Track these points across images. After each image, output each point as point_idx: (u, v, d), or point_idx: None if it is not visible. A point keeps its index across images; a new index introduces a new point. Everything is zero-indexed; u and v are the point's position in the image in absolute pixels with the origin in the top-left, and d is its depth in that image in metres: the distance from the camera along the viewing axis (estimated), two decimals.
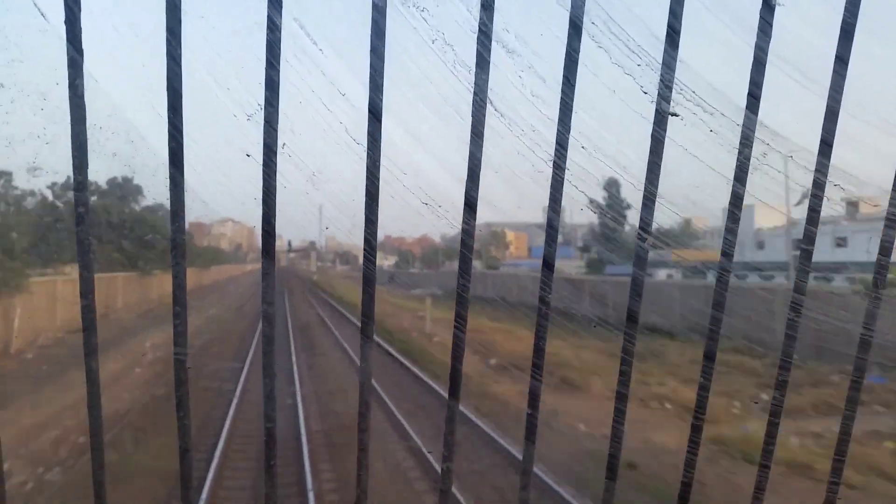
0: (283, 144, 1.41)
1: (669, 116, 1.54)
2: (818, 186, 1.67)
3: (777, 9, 1.52)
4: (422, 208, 1.53)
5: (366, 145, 1.46)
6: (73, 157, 1.38)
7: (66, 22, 1.35)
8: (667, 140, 1.56)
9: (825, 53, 1.53)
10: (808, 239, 1.71)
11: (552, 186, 1.57)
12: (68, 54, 1.35)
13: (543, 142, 1.50)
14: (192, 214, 1.37)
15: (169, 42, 1.34)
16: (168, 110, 1.38)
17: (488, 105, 1.47)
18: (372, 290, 1.53)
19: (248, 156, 1.39)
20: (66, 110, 1.23)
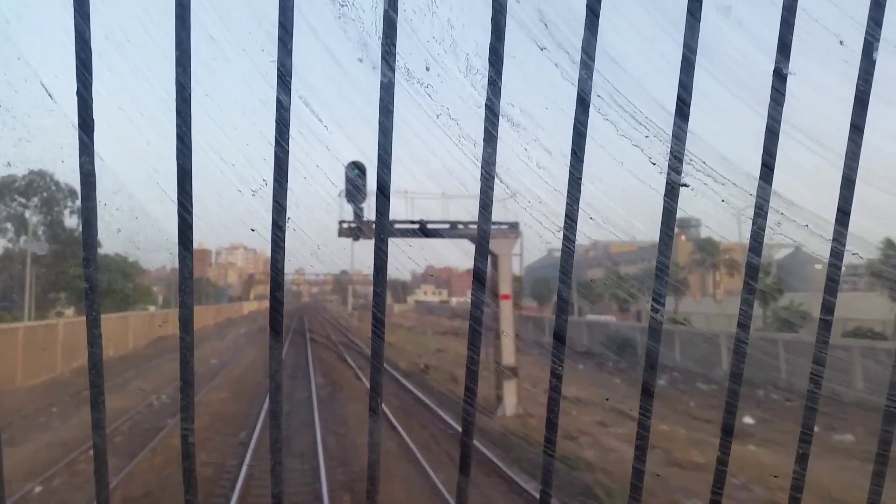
0: (289, 219, 1.42)
1: (681, 187, 1.52)
2: (836, 256, 1.63)
3: (789, 78, 1.51)
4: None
5: (374, 222, 1.46)
6: (83, 234, 1.39)
7: (77, 103, 1.37)
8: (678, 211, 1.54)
9: (839, 122, 1.51)
10: (827, 310, 1.66)
11: (562, 258, 1.55)
12: (79, 136, 1.37)
13: (550, 213, 1.49)
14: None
15: (179, 126, 1.35)
16: (178, 191, 1.39)
17: (496, 179, 1.46)
18: (382, 329, 1.51)
19: (252, 230, 1.39)
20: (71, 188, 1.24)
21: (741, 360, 1.64)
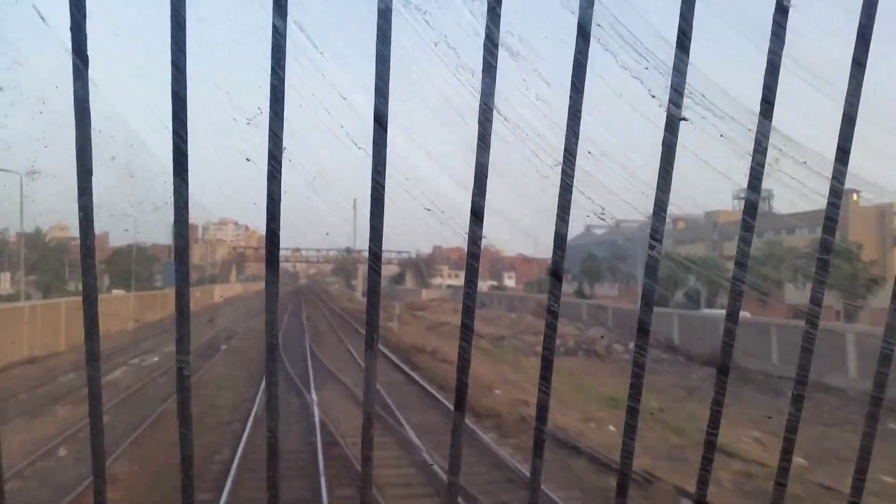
0: (284, 149, 1.40)
1: (680, 122, 1.51)
2: (835, 194, 1.62)
3: (791, 11, 1.49)
4: (426, 216, 1.51)
5: (371, 154, 1.44)
6: (77, 161, 1.37)
7: (71, 28, 1.35)
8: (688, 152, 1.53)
9: (840, 57, 1.49)
10: (825, 248, 1.66)
11: (560, 193, 1.54)
12: (73, 62, 1.35)
13: (549, 147, 1.48)
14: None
15: (173, 51, 1.33)
16: (172, 119, 1.37)
17: (493, 110, 1.45)
18: (377, 300, 1.51)
19: (248, 160, 1.37)
20: (64, 114, 1.23)
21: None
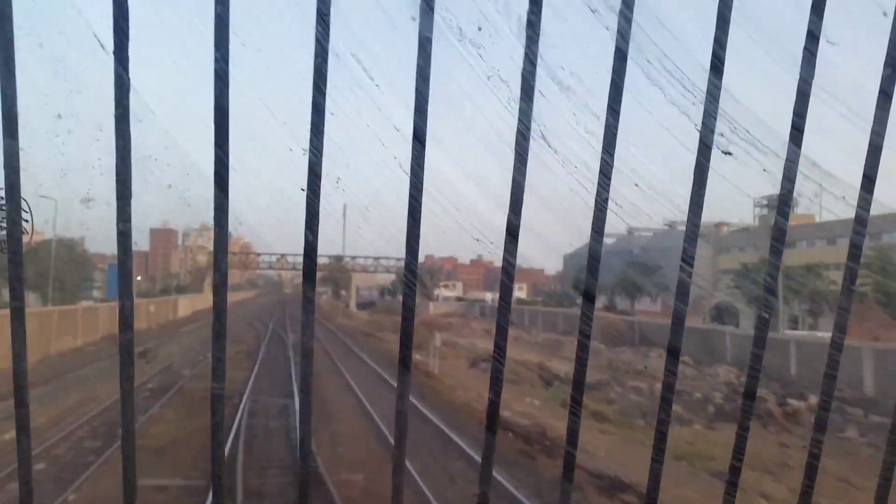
0: (339, 179, 1.40)
1: (715, 151, 1.53)
2: (860, 222, 1.65)
3: (823, 41, 1.52)
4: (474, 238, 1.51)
5: (409, 170, 1.45)
6: (118, 171, 1.37)
7: (114, 51, 1.36)
8: (719, 177, 1.54)
9: (869, 87, 1.52)
10: (851, 277, 1.68)
11: (595, 216, 1.55)
12: (116, 79, 1.35)
13: (593, 174, 1.50)
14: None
15: (217, 60, 1.34)
16: (215, 134, 1.38)
17: (542, 141, 1.47)
18: (411, 317, 1.50)
19: (303, 190, 1.38)
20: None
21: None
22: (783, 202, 1.59)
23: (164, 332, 43.44)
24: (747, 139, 1.48)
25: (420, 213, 1.47)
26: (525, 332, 48.89)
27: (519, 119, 1.46)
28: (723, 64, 1.48)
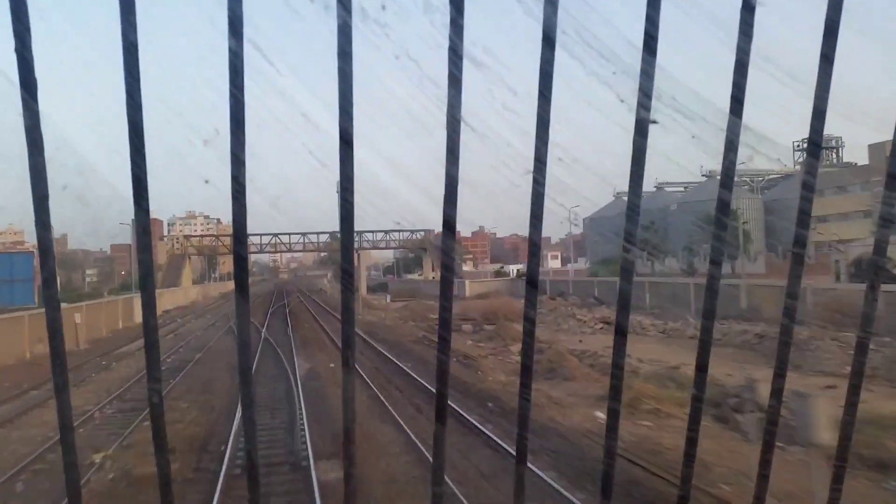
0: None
1: (650, 124, 1.49)
2: (808, 188, 1.62)
3: (758, 9, 1.46)
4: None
5: (338, 172, 1.41)
6: (33, 190, 1.33)
7: (17, 61, 1.29)
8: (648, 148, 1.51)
9: (808, 52, 1.47)
10: (800, 243, 1.66)
11: (532, 201, 1.52)
12: (21, 94, 1.30)
13: (519, 155, 1.46)
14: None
15: (127, 81, 1.28)
16: (129, 146, 1.33)
17: (462, 123, 1.42)
18: (351, 317, 1.49)
19: (206, 182, 1.33)
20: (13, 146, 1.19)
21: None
22: (726, 175, 1.56)
23: (91, 355, 30.56)
24: (673, 106, 1.43)
25: (353, 216, 1.43)
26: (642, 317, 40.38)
27: (448, 112, 1.41)
28: (656, 42, 1.42)
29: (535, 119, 1.45)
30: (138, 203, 1.33)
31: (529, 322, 1.57)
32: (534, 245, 1.56)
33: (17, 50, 1.27)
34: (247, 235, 1.41)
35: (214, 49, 1.24)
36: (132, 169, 1.33)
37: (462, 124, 1.43)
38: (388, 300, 63.44)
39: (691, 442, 1.68)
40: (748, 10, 1.45)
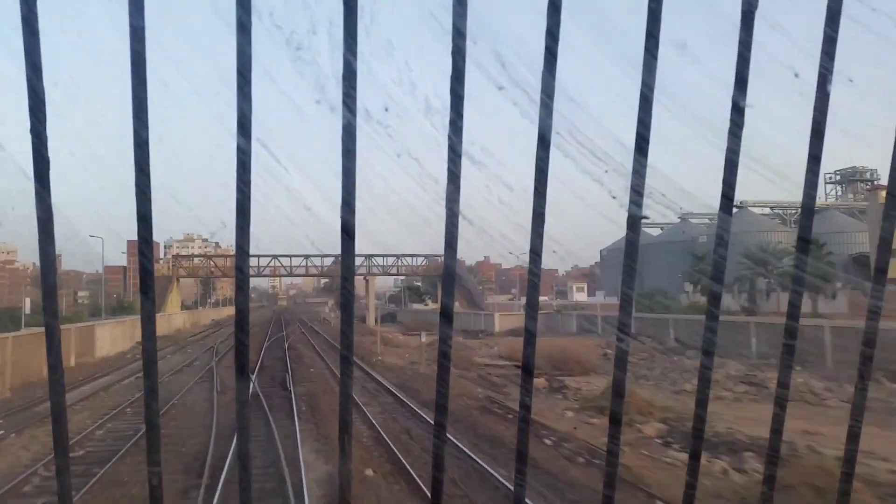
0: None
1: (642, 220, 1.54)
2: (798, 282, 1.66)
3: (747, 110, 1.52)
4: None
5: (340, 263, 1.46)
6: (42, 279, 1.37)
7: (33, 153, 1.35)
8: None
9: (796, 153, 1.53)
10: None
11: (528, 292, 1.56)
12: (35, 187, 1.35)
13: (515, 248, 1.50)
14: None
15: (137, 175, 1.34)
16: (138, 237, 1.38)
17: (460, 216, 1.47)
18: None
19: (221, 276, 1.37)
20: None
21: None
22: (717, 268, 1.60)
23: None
24: (663, 203, 1.48)
25: (352, 305, 1.47)
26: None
27: (447, 206, 1.46)
28: (647, 142, 1.48)
29: (530, 213, 1.51)
30: (144, 291, 1.38)
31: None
32: (529, 334, 1.60)
33: (33, 144, 1.33)
34: (248, 324, 1.45)
35: (222, 146, 1.29)
36: (140, 260, 1.37)
37: (460, 218, 1.48)
38: (377, 325, 54.30)
39: None
40: (738, 111, 1.51)
